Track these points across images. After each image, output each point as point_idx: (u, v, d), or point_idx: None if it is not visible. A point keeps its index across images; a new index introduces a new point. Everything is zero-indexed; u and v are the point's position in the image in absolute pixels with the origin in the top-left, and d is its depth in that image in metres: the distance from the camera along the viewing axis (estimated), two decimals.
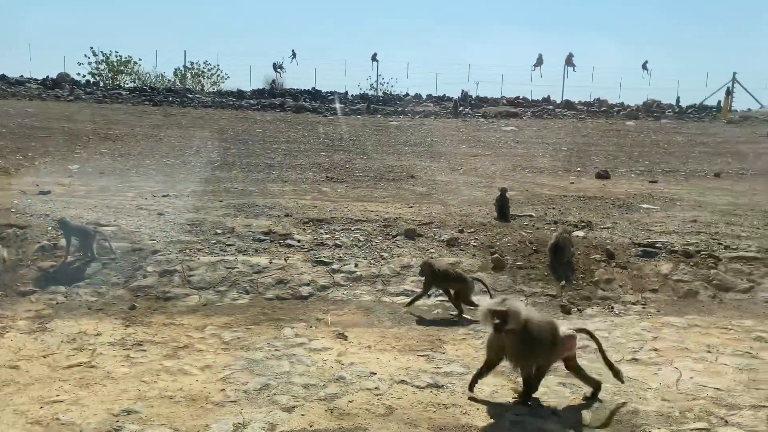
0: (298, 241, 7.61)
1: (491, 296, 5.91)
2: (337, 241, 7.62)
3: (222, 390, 4.28)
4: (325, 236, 7.81)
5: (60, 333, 5.32)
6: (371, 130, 20.77)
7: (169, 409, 3.97)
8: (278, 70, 34.86)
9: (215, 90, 36.30)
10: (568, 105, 33.40)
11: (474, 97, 37.07)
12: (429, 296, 6.50)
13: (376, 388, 4.40)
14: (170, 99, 26.86)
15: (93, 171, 12.48)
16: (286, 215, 8.66)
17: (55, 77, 34.72)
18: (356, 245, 7.57)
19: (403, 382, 4.53)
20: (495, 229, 8.26)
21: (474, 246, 7.70)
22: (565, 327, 4.38)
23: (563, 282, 6.98)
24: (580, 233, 8.25)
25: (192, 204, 9.34)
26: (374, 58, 34.59)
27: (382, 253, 7.34)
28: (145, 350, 4.97)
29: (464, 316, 6.22)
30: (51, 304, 6.03)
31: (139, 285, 6.42)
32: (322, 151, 16.04)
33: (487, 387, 4.47)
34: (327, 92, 36.75)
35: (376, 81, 35.40)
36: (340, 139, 18.24)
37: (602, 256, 7.55)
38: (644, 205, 10.64)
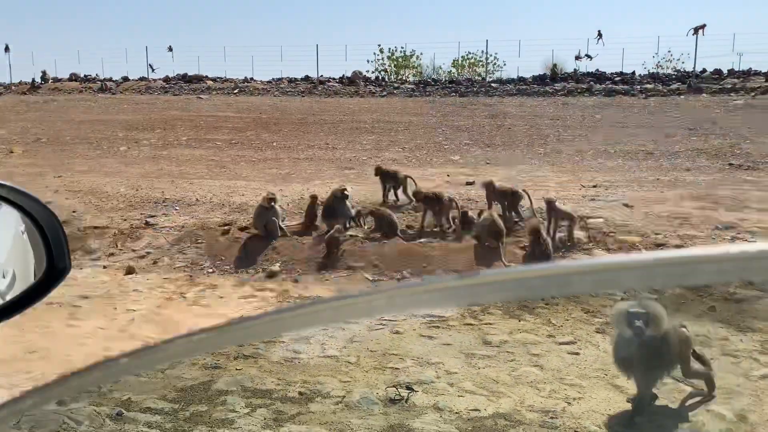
0: None
1: None
2: None
3: None
4: None
5: None
6: (722, 110, 18.70)
7: None
8: (584, 57, 33.54)
9: (494, 78, 36.34)
10: None
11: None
12: None
13: None
14: (474, 90, 27.35)
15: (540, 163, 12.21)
16: None
17: (350, 75, 37.92)
18: None
19: None
20: None
21: None
22: None
23: None
24: None
25: (634, 195, 8.86)
26: (696, 31, 31.33)
27: None
28: None
29: None
30: None
31: (695, 284, 6.00)
32: (692, 136, 14.66)
33: None
34: (612, 73, 34.63)
35: (695, 57, 32.14)
36: (697, 122, 16.60)
37: None
38: None
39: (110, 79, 38.03)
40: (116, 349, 4.76)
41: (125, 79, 38.88)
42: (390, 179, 8.81)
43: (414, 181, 8.58)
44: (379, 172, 8.97)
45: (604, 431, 3.52)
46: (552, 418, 3.64)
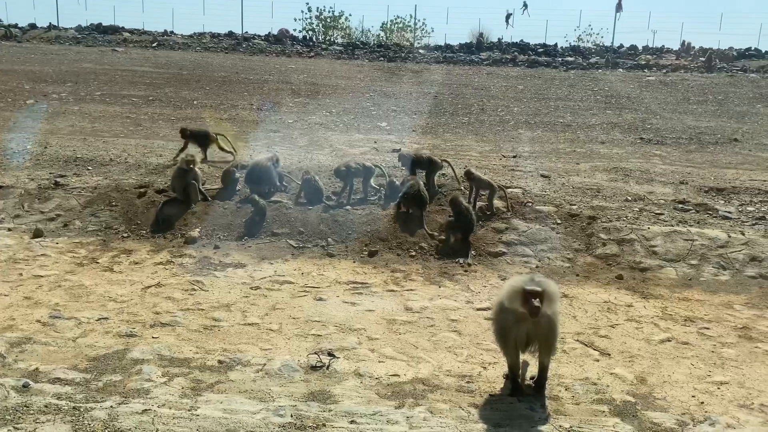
0: (729, 212, 7.14)
1: None
2: None
3: None
4: (750, 209, 7.27)
5: (587, 301, 5.34)
6: (635, 85, 19.50)
7: None
8: (509, 24, 33.95)
9: (422, 44, 36.32)
10: None
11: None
12: None
13: None
14: (402, 56, 27.19)
15: (464, 132, 12.78)
16: (681, 182, 8.21)
17: (276, 33, 36.80)
18: None
19: None
20: None
21: None
22: None
23: None
24: None
25: (551, 166, 9.17)
26: (619, 7, 32.04)
27: None
28: (708, 328, 4.80)
29: None
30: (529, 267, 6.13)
31: (604, 253, 6.32)
32: (607, 110, 15.26)
33: None
34: (536, 44, 35.34)
35: (613, 32, 33.20)
36: (613, 96, 17.27)
37: None
38: None
39: (15, 26, 35.20)
40: (20, 317, 4.52)
41: (32, 26, 36.06)
42: (198, 138, 8.51)
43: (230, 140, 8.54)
44: (185, 133, 8.54)
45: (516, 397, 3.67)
46: (468, 382, 3.77)
